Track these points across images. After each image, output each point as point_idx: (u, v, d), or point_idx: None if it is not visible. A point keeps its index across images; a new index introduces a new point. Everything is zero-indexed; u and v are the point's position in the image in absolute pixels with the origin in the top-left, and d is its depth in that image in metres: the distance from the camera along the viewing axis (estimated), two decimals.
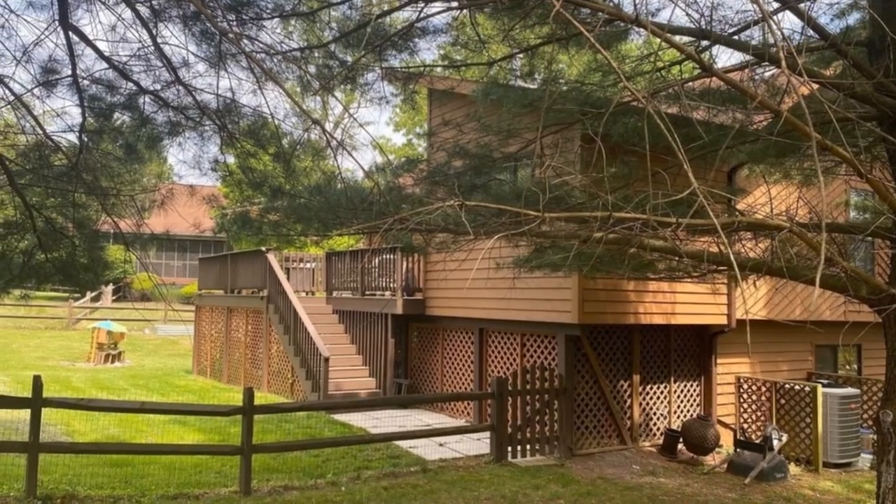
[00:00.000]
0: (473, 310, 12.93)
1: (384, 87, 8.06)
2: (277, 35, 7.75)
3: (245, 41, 7.31)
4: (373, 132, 53.89)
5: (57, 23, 7.16)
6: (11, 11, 7.31)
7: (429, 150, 12.64)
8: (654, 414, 12.33)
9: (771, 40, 5.75)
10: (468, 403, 13.54)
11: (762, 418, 12.43)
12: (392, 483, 9.07)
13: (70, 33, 7.25)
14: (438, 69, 12.24)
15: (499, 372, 12.76)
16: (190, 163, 8.69)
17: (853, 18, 7.56)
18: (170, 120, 8.38)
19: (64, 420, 11.75)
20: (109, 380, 18.10)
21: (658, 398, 12.38)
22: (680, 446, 11.60)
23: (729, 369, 12.98)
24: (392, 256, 14.91)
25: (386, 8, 7.34)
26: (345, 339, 16.42)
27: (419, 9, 6.91)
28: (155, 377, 19.19)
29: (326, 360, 14.02)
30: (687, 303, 11.70)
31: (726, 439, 12.34)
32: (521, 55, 8.21)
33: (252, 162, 8.89)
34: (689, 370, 12.75)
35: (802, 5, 6.14)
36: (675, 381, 12.55)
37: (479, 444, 11.26)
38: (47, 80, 7.77)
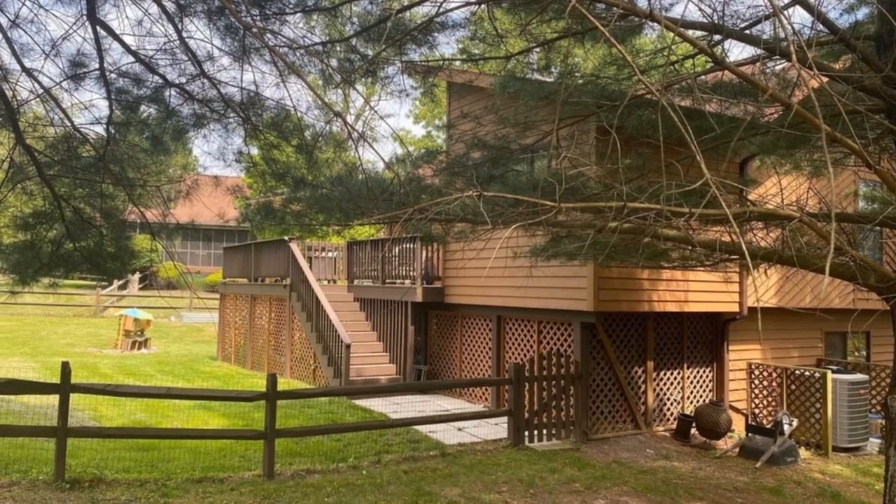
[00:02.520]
0: (491, 297, 13.08)
1: (404, 80, 8.14)
2: (300, 29, 7.89)
3: (268, 35, 7.45)
4: (393, 124, 54.01)
5: (85, 18, 7.34)
6: (41, 6, 7.49)
7: (448, 142, 12.75)
8: (668, 399, 12.47)
9: (782, 34, 5.88)
10: (486, 389, 13.72)
11: (773, 403, 12.56)
12: (412, 467, 9.18)
13: (98, 28, 7.41)
14: (457, 63, 12.33)
15: (516, 358, 12.94)
16: (214, 154, 8.82)
17: (862, 13, 7.67)
18: (195, 112, 8.52)
19: (92, 405, 11.91)
20: (136, 366, 18.34)
21: (671, 384, 12.53)
22: (693, 431, 11.75)
23: (741, 356, 13.11)
24: (412, 246, 15.08)
25: (406, 3, 7.46)
26: (366, 327, 16.62)
27: (438, 4, 6.96)
28: (180, 363, 19.42)
29: (348, 346, 14.21)
30: (700, 291, 11.83)
31: (738, 424, 12.48)
32: (537, 49, 8.30)
33: (275, 153, 9.04)
34: (702, 357, 12.89)
35: (812, 0, 6.26)
36: (688, 368, 12.69)
37: (496, 428, 11.41)
38: (75, 73, 7.93)
